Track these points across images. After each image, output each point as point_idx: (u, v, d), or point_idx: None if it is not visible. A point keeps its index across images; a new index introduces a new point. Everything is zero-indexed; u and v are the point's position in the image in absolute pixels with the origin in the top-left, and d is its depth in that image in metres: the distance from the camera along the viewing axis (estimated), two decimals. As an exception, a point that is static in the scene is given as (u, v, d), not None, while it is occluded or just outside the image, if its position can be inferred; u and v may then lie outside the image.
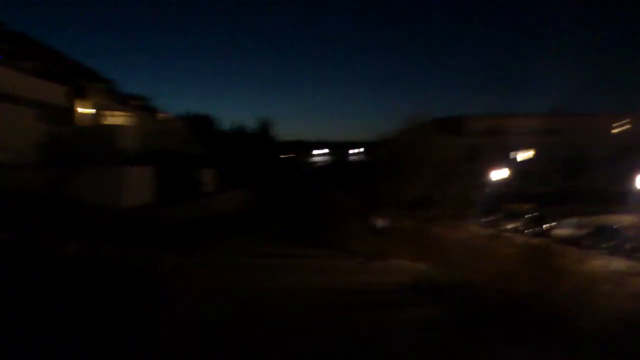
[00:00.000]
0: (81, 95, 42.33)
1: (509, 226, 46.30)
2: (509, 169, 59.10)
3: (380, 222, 28.65)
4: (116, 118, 47.36)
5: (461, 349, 9.62)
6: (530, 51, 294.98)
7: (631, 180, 51.16)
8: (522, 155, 74.56)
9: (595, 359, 8.70)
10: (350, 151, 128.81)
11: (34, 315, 8.57)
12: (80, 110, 41.78)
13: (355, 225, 29.67)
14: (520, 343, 9.51)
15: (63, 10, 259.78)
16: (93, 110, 43.75)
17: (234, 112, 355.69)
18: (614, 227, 38.89)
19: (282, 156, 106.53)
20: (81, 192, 23.48)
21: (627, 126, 76.21)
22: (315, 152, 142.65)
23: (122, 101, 55.51)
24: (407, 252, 25.54)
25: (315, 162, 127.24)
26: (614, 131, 76.42)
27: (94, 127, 40.18)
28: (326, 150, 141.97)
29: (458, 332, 10.73)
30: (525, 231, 43.70)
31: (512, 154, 72.07)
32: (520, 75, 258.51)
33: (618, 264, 23.84)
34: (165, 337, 9.59)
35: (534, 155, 73.57)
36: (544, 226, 44.87)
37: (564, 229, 41.73)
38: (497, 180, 49.90)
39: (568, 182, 67.03)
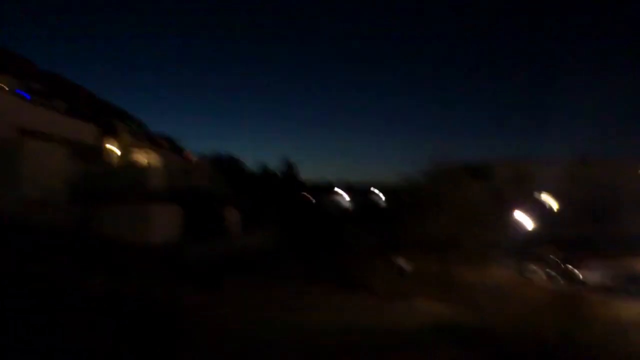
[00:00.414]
0: (111, 134, 43.09)
1: (537, 270, 45.79)
2: (537, 213, 58.57)
3: (404, 264, 28.50)
4: (145, 156, 48.00)
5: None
6: (559, 94, 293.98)
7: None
8: (551, 200, 74.00)
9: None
10: (375, 192, 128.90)
11: (56, 351, 8.61)
12: (110, 148, 42.45)
13: (379, 266, 29.56)
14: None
15: (89, 49, 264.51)
16: (122, 149, 44.43)
17: (258, 153, 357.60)
18: (647, 272, 38.26)
19: (306, 196, 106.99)
20: (109, 229, 23.72)
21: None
22: (339, 192, 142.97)
23: (150, 140, 56.39)
24: (432, 294, 25.36)
25: (339, 203, 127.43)
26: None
27: (123, 165, 40.77)
28: (350, 192, 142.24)
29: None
30: (554, 276, 43.16)
31: (540, 198, 71.52)
32: (548, 119, 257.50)
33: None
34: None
35: (563, 199, 72.98)
36: (573, 271, 44.31)
37: (594, 274, 41.11)
38: (525, 224, 49.40)
39: (596, 227, 66.25)
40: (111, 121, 45.46)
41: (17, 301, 10.20)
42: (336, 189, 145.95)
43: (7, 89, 33.48)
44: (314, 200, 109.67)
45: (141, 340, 10.26)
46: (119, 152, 43.91)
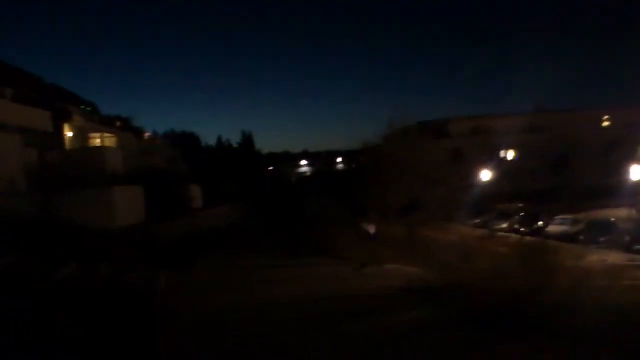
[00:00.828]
0: (66, 119, 42.41)
1: (502, 226, 46.51)
2: (497, 169, 59.29)
3: (371, 229, 28.67)
4: (102, 140, 47.39)
5: (458, 349, 9.67)
6: (513, 49, 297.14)
7: (623, 173, 51.36)
8: (510, 155, 74.93)
9: (591, 354, 8.73)
10: (336, 160, 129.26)
11: (31, 340, 8.54)
12: (66, 134, 41.80)
13: (346, 233, 29.72)
14: (516, 341, 9.56)
15: (35, 34, 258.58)
16: (78, 134, 43.76)
17: (216, 128, 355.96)
18: (610, 221, 39.08)
19: (268, 169, 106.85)
20: (72, 215, 23.44)
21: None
22: (300, 162, 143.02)
23: (106, 123, 55.68)
24: (399, 256, 25.60)
25: (301, 173, 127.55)
26: (603, 125, 77.10)
27: (81, 150, 40.18)
28: (311, 161, 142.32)
29: (454, 332, 10.78)
30: (519, 230, 43.86)
31: (499, 154, 72.35)
32: (503, 74, 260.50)
33: (616, 257, 24.00)
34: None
35: (522, 153, 73.90)
36: (536, 224, 45.06)
37: (557, 226, 41.90)
38: (486, 181, 50.07)
39: (559, 179, 67.32)
40: (64, 106, 44.69)
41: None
42: (298, 159, 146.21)
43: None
44: (276, 172, 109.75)
45: (117, 325, 10.23)
46: (74, 137, 43.25)
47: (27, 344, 8.23)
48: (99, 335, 9.37)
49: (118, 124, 60.76)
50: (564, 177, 66.62)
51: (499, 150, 72.71)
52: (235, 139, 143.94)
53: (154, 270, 18.65)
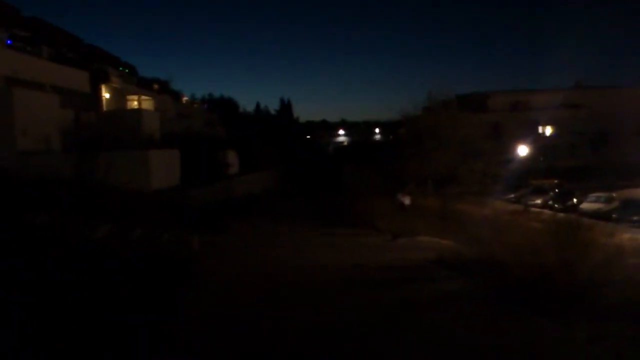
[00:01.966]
0: (103, 80, 42.68)
1: (536, 201, 46.14)
2: (535, 144, 58.61)
3: (406, 200, 28.64)
4: (139, 102, 47.66)
5: (488, 321, 9.64)
6: (555, 24, 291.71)
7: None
8: (547, 130, 73.95)
9: (620, 329, 8.66)
10: (374, 130, 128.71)
11: (69, 298, 8.67)
12: (103, 95, 42.12)
13: (381, 203, 29.70)
14: (546, 315, 9.49)
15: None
16: (116, 95, 44.07)
17: (255, 95, 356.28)
18: (644, 200, 38.54)
19: (305, 137, 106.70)
20: (108, 176, 23.64)
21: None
22: (338, 132, 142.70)
23: (144, 85, 55.96)
24: (433, 228, 25.56)
25: (338, 142, 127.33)
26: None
27: (118, 111, 40.45)
28: (349, 131, 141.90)
29: (485, 305, 10.75)
30: (553, 206, 43.45)
31: (537, 129, 71.46)
32: (544, 49, 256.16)
33: (647, 236, 23.65)
34: (194, 318, 9.68)
35: (560, 129, 72.91)
36: (571, 201, 44.59)
37: (591, 203, 41.41)
38: (523, 156, 49.53)
39: (596, 156, 66.41)
40: (102, 67, 44.98)
41: (24, 252, 10.22)
42: (336, 128, 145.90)
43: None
44: (314, 140, 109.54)
45: (152, 284, 10.37)
46: (112, 99, 43.58)
47: (62, 300, 8.35)
48: (132, 292, 9.50)
49: (156, 86, 61.05)
50: (601, 154, 65.69)
51: (537, 125, 71.80)
52: (273, 106, 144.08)
53: (187, 233, 18.85)
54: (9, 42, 34.37)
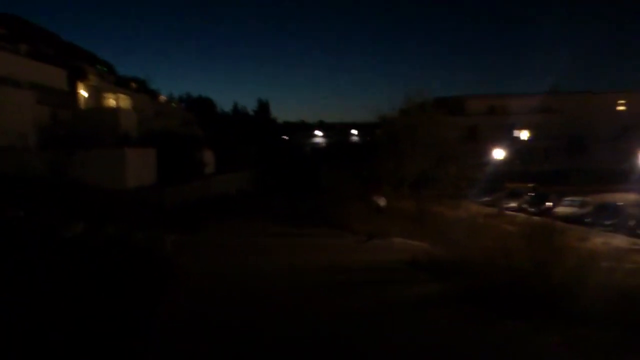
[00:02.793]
0: (81, 77, 42.33)
1: (510, 205, 46.49)
2: (511, 148, 59.03)
3: (381, 202, 28.67)
4: (117, 100, 47.32)
5: (462, 324, 9.69)
6: (532, 30, 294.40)
7: (633, 158, 51.20)
8: (523, 135, 74.54)
9: (593, 334, 8.74)
10: (351, 132, 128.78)
11: (35, 292, 8.60)
12: (80, 93, 41.78)
13: (355, 204, 29.73)
14: (520, 318, 9.56)
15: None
16: (92, 93, 43.72)
17: (232, 95, 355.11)
18: (617, 204, 38.99)
19: (282, 137, 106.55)
20: (83, 174, 23.53)
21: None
22: (315, 133, 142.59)
23: (121, 84, 55.56)
24: (408, 230, 25.63)
25: (316, 143, 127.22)
26: (617, 109, 76.27)
27: (95, 109, 40.20)
28: (326, 132, 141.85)
29: (459, 307, 10.80)
30: (527, 210, 43.78)
31: (512, 133, 72.02)
32: (520, 54, 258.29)
33: (620, 241, 23.99)
34: (168, 315, 9.63)
35: (535, 134, 73.54)
36: (545, 204, 44.95)
37: (565, 207, 41.81)
38: (498, 160, 49.82)
39: (571, 161, 67.08)
40: (79, 64, 44.60)
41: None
42: (313, 129, 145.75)
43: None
44: (290, 141, 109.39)
45: (125, 283, 10.30)
46: (89, 97, 43.23)
47: (31, 296, 8.29)
48: (102, 290, 9.44)
49: (133, 85, 60.62)
50: (576, 159, 66.39)
51: (513, 129, 72.36)
52: (251, 106, 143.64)
53: (161, 232, 18.75)
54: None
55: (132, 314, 9.00)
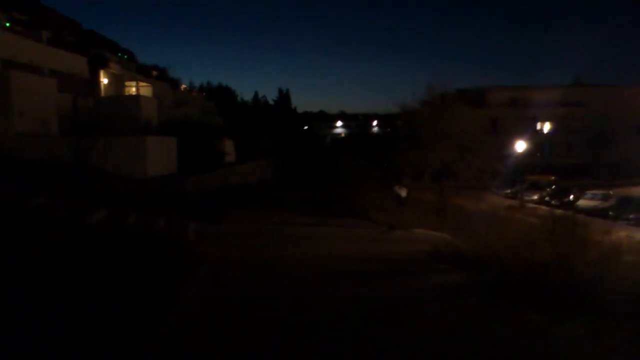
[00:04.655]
0: (102, 65, 42.48)
1: (532, 197, 46.25)
2: (533, 141, 58.65)
3: (402, 193, 28.61)
4: (137, 88, 47.46)
5: (483, 315, 9.63)
6: (557, 21, 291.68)
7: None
8: (546, 127, 73.96)
9: (614, 327, 8.65)
10: (372, 123, 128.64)
11: (61, 278, 8.63)
12: (101, 80, 41.95)
13: (377, 195, 29.67)
14: (542, 311, 9.47)
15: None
16: (114, 81, 43.89)
17: (253, 84, 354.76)
18: (640, 198, 38.68)
19: (303, 127, 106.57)
20: (105, 162, 23.63)
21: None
22: (336, 123, 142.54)
23: (142, 72, 55.72)
24: (429, 221, 25.56)
25: (336, 134, 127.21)
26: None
27: (116, 97, 40.29)
28: (347, 122, 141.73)
29: (480, 299, 10.74)
30: (549, 202, 43.52)
31: (535, 126, 71.47)
32: (545, 46, 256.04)
33: (642, 234, 23.72)
34: (191, 303, 9.62)
35: (559, 126, 72.94)
36: (568, 197, 44.67)
37: (588, 201, 41.53)
38: (520, 152, 49.51)
39: (594, 154, 66.55)
40: (101, 52, 44.76)
41: (19, 233, 10.17)
42: (334, 119, 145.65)
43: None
44: (311, 131, 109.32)
45: (147, 271, 10.33)
46: (110, 84, 43.40)
47: (57, 283, 8.32)
48: (125, 277, 9.47)
49: (154, 73, 60.77)
50: (599, 152, 65.81)
51: (536, 122, 71.80)
52: (272, 96, 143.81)
53: (183, 220, 18.81)
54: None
55: (155, 300, 9.01)
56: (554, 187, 49.56)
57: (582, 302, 9.60)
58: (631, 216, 33.48)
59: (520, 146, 50.04)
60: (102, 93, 41.28)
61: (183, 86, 74.93)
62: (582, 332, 8.54)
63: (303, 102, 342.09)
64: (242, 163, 45.96)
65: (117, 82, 44.66)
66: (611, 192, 42.56)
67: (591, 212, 33.48)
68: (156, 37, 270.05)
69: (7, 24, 34.27)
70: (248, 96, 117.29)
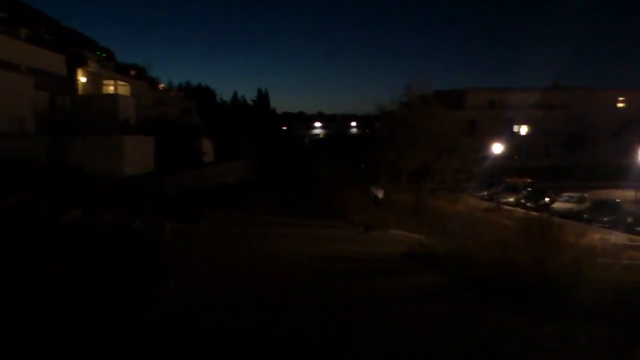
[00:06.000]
0: (80, 63, 42.10)
1: (508, 199, 46.62)
2: (510, 143, 59.06)
3: (379, 193, 28.69)
4: (116, 87, 47.14)
5: (458, 316, 9.70)
6: (535, 24, 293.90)
7: (632, 155, 51.32)
8: (524, 129, 74.55)
9: (587, 328, 8.75)
10: (350, 124, 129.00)
11: (37, 277, 8.58)
12: (79, 79, 41.61)
13: (354, 196, 29.73)
14: (516, 311, 9.58)
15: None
16: (92, 79, 43.53)
17: (232, 84, 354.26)
18: (615, 201, 39.11)
19: (281, 127, 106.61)
20: (81, 160, 23.45)
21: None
22: (314, 124, 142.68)
23: (121, 71, 55.32)
24: (405, 222, 25.63)
25: (315, 135, 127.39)
26: (618, 106, 76.35)
27: (94, 96, 40.00)
28: (325, 123, 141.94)
29: (455, 299, 10.83)
30: (525, 205, 43.88)
31: (512, 128, 72.01)
32: (522, 48, 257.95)
33: (617, 237, 24.06)
34: (166, 303, 9.61)
35: (536, 129, 73.53)
36: (543, 200, 45.04)
37: (563, 203, 41.90)
38: (497, 154, 49.88)
39: (570, 157, 67.15)
40: (79, 50, 44.38)
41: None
42: (312, 120, 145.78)
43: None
44: (289, 131, 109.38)
45: (123, 270, 10.28)
46: (88, 83, 43.05)
47: (31, 282, 8.27)
48: (103, 274, 9.43)
49: (133, 72, 60.36)
50: (575, 155, 66.45)
51: (513, 124, 72.35)
52: (250, 96, 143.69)
53: (159, 220, 18.74)
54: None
55: (134, 297, 8.99)
56: (529, 189, 49.95)
57: (556, 303, 9.70)
58: (605, 219, 33.86)
59: (498, 148, 50.40)
60: (80, 92, 40.91)
61: (162, 85, 74.53)
62: (557, 332, 8.63)
63: (282, 102, 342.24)
64: (221, 163, 45.89)
65: (95, 80, 44.30)
66: (586, 195, 43.00)
67: (566, 214, 33.80)
68: (135, 36, 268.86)
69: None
70: (227, 96, 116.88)
